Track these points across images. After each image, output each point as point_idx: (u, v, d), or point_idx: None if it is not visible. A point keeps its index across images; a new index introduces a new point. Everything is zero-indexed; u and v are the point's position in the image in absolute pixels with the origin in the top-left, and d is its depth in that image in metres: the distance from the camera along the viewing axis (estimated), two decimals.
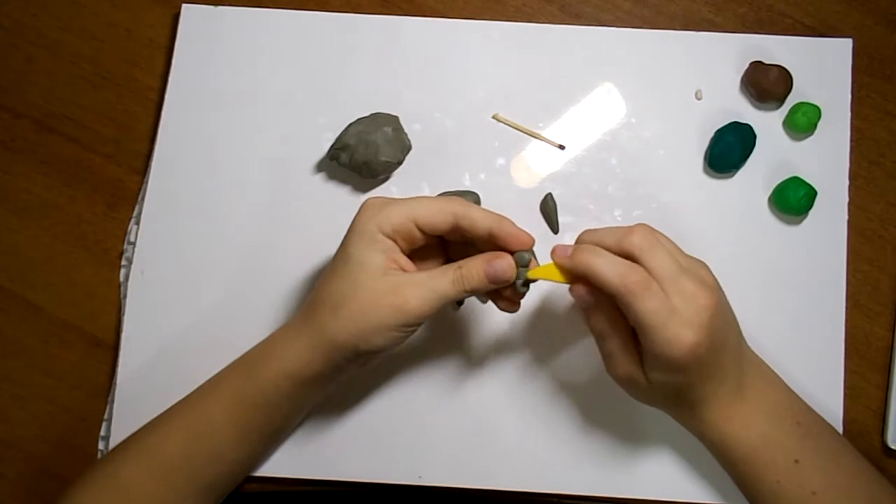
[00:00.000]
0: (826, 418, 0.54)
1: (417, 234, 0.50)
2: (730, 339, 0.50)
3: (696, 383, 0.49)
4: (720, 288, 0.50)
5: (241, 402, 0.52)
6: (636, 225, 0.49)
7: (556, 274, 0.50)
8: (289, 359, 0.51)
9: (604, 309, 0.49)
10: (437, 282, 0.49)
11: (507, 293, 0.52)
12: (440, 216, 0.49)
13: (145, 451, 0.53)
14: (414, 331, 0.50)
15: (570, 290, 0.50)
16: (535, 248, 0.61)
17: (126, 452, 0.53)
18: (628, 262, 0.47)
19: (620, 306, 0.47)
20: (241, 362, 0.54)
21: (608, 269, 0.47)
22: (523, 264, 0.50)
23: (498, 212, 0.50)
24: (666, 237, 0.50)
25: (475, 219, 0.49)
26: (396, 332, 0.49)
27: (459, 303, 0.60)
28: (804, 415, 0.53)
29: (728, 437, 0.51)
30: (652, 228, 0.49)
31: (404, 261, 0.50)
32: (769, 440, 0.51)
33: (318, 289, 0.52)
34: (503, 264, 0.49)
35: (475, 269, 0.49)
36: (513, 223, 0.50)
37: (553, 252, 0.50)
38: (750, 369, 0.52)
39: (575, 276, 0.49)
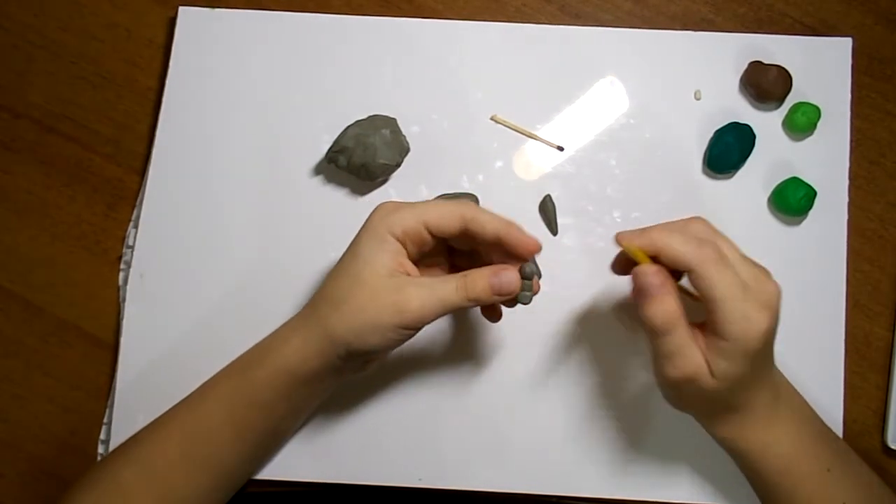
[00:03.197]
0: (826, 418, 0.54)
1: (427, 236, 0.50)
2: (771, 346, 0.50)
3: (748, 381, 0.48)
4: None
5: (238, 400, 0.52)
6: (692, 217, 0.49)
7: (639, 255, 0.48)
8: (286, 354, 0.51)
9: (668, 297, 0.47)
10: (442, 287, 0.49)
11: (504, 303, 0.52)
12: (450, 218, 0.50)
13: (144, 454, 0.53)
14: (410, 336, 0.50)
15: (634, 272, 0.48)
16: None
17: (125, 455, 0.53)
18: (700, 238, 0.47)
19: (694, 282, 0.47)
20: (238, 361, 0.54)
21: (682, 242, 0.47)
22: (527, 277, 0.50)
23: (497, 214, 0.50)
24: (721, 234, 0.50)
25: (483, 222, 0.49)
26: (393, 333, 0.49)
27: None
28: (824, 426, 0.53)
29: (767, 447, 0.50)
30: (709, 222, 0.50)
31: (410, 266, 0.51)
32: (805, 451, 0.50)
33: (322, 285, 0.52)
34: (509, 276, 0.49)
35: (480, 279, 0.49)
36: (521, 229, 0.50)
37: (619, 237, 0.49)
38: (779, 380, 0.52)
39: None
